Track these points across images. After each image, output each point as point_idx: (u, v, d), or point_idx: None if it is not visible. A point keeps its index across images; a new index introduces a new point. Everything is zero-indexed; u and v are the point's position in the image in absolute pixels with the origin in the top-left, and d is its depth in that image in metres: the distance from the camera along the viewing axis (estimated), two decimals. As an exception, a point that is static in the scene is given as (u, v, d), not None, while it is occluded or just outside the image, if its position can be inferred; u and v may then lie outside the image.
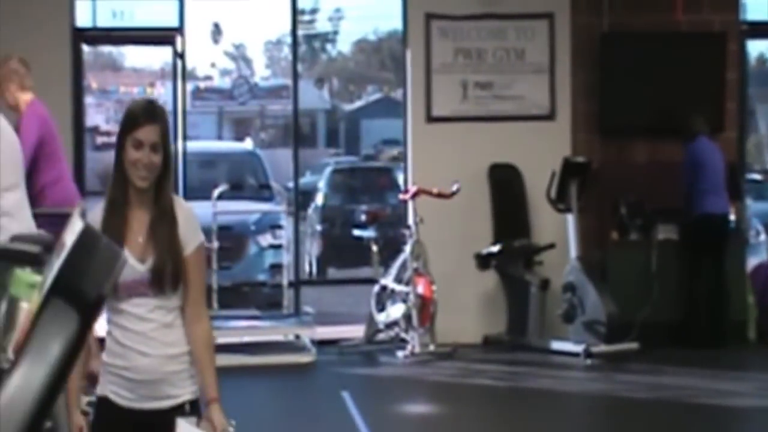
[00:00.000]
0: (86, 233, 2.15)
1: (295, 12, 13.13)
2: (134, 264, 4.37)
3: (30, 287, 2.36)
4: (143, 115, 4.50)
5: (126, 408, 4.48)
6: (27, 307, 2.33)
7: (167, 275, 4.44)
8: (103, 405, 4.52)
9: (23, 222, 6.75)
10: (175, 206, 4.56)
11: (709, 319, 11.93)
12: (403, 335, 11.86)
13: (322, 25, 34.82)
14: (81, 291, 2.09)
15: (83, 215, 2.25)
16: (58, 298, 2.09)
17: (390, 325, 12.08)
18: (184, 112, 12.79)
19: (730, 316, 12.04)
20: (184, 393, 4.56)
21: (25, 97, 8.66)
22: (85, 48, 13.08)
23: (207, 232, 12.68)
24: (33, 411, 2.05)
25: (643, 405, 9.97)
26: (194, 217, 4.66)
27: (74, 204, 7.67)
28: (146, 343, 4.46)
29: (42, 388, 2.06)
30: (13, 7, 11.85)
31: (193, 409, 4.59)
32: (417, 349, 11.57)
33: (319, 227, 19.35)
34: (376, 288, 12.29)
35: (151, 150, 4.43)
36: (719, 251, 12.10)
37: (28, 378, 2.07)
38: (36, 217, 6.68)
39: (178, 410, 4.52)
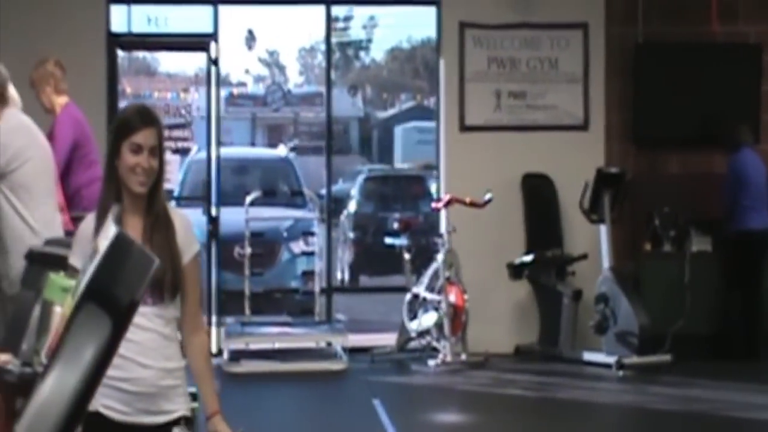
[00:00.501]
0: (120, 239, 2.15)
1: (329, 19, 13.15)
2: None
3: (63, 291, 2.37)
4: (141, 118, 4.42)
5: (119, 422, 4.33)
6: (60, 312, 2.33)
7: (167, 282, 4.33)
8: (94, 421, 4.16)
9: (54, 230, 6.80)
10: (170, 213, 4.49)
11: (745, 333, 11.88)
12: (434, 344, 11.85)
13: (355, 32, 34.83)
14: (114, 296, 2.09)
15: (117, 220, 2.25)
16: (92, 303, 2.09)
17: (422, 334, 12.07)
18: (218, 118, 12.80)
19: (764, 331, 11.99)
20: (180, 408, 4.44)
21: (61, 100, 8.70)
22: (120, 53, 13.12)
23: (240, 238, 12.77)
24: (66, 415, 2.06)
25: (676, 418, 9.93)
26: (191, 225, 4.58)
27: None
28: (146, 354, 4.33)
29: (75, 392, 2.06)
30: (50, 12, 11.92)
31: (188, 425, 4.49)
32: (449, 358, 11.55)
33: (351, 235, 19.36)
34: (408, 296, 12.28)
35: (149, 154, 4.36)
36: (758, 266, 12.04)
37: (62, 382, 2.08)
38: (74, 220, 6.73)
39: (173, 425, 4.41)
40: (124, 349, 3.90)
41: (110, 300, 2.09)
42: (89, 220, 4.33)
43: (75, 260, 4.14)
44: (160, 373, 4.36)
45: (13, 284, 6.63)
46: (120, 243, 2.14)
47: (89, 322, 2.09)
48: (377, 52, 38.14)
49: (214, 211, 12.63)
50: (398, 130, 33.15)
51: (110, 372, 3.75)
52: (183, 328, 4.47)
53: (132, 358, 4.25)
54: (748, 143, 12.17)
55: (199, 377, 4.53)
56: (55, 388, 2.08)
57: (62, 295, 2.36)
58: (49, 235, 6.67)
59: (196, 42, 12.75)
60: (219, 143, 12.87)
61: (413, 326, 12.12)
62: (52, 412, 2.07)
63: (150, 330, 4.31)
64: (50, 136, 7.56)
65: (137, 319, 3.85)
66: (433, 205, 12.90)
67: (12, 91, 7.00)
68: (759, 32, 12.85)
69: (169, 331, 4.40)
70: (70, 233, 5.85)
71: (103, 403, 4.23)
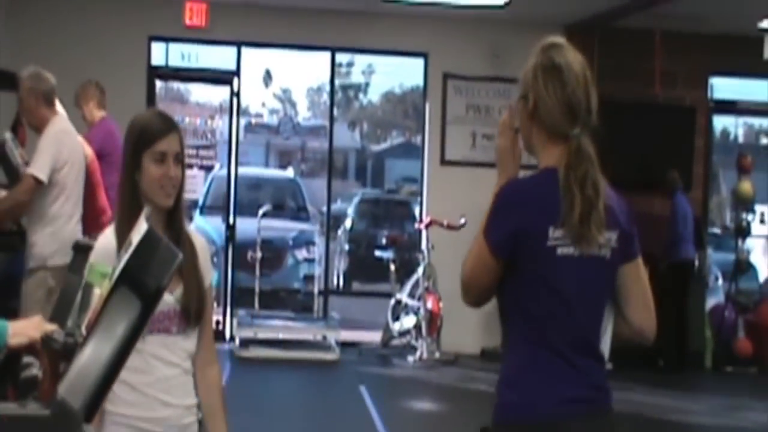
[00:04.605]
0: (149, 234, 2.17)
1: (334, 65, 13.19)
2: None
3: (102, 276, 2.38)
4: (162, 124, 3.49)
5: None
6: (99, 293, 2.34)
7: (193, 307, 3.46)
8: None
9: (77, 225, 6.85)
10: (191, 235, 3.58)
11: (674, 347, 11.90)
12: (413, 343, 11.85)
13: (356, 77, 34.86)
14: (143, 282, 2.09)
15: (148, 219, 2.26)
16: (125, 286, 2.10)
17: (403, 334, 12.07)
18: (237, 142, 12.81)
19: (690, 347, 12.02)
20: None
21: (100, 114, 8.74)
22: (158, 83, 13.15)
23: (252, 243, 12.78)
24: (100, 378, 2.07)
25: (615, 418, 9.90)
26: (208, 249, 3.67)
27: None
28: (169, 392, 3.44)
29: (108, 360, 2.07)
30: (99, 47, 11.95)
31: None
32: (425, 356, 11.55)
33: (346, 246, 19.36)
34: (393, 301, 12.28)
35: (174, 161, 3.44)
36: (687, 290, 12.06)
37: (97, 351, 2.08)
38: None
39: None
40: (146, 386, 3.39)
41: (140, 285, 2.10)
42: (108, 237, 3.40)
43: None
44: (182, 411, 3.49)
45: (37, 260, 6.66)
46: (150, 237, 2.15)
47: (122, 303, 2.10)
48: (374, 95, 38.12)
49: (231, 220, 12.64)
50: (389, 162, 33.20)
51: (131, 411, 3.36)
52: (197, 360, 3.55)
53: (155, 396, 3.41)
54: (680, 188, 12.19)
55: (212, 414, 3.59)
56: (91, 356, 2.09)
57: (101, 280, 2.36)
58: (69, 228, 6.73)
59: (222, 76, 12.77)
60: (237, 163, 12.88)
61: (396, 327, 12.12)
62: (89, 375, 2.08)
63: (173, 365, 3.45)
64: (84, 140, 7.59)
65: (160, 351, 3.40)
66: (416, 225, 12.92)
67: (58, 104, 7.05)
68: (694, 97, 12.91)
69: (189, 365, 3.51)
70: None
71: None
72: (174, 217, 3.49)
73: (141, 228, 2.21)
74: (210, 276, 3.59)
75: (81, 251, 3.17)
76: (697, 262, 12.40)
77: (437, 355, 11.62)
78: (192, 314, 3.46)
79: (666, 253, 12.06)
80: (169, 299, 3.37)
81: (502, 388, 3.20)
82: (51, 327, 2.59)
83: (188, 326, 3.47)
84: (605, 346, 3.31)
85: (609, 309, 3.28)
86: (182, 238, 3.45)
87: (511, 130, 3.31)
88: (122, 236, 3.20)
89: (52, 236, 6.69)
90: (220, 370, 3.72)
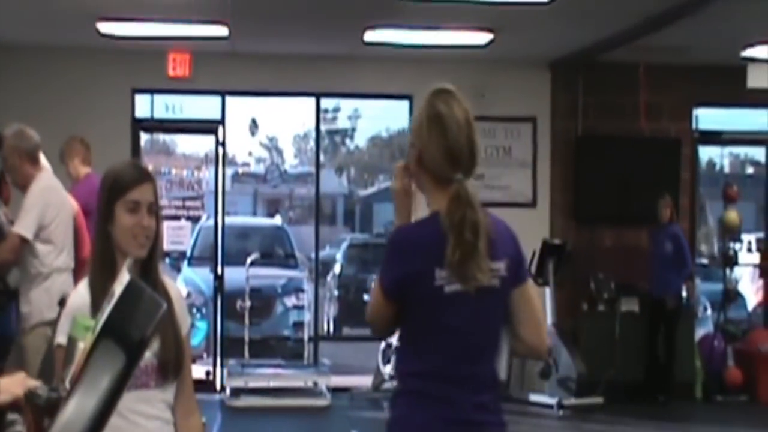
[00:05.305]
0: (132, 285, 2.16)
1: (319, 111, 13.21)
2: None
3: (86, 329, 2.36)
4: (136, 173, 3.40)
5: None
6: (82, 346, 2.33)
7: (171, 361, 3.37)
8: None
9: (68, 278, 6.83)
10: (165, 284, 3.48)
11: (663, 380, 11.87)
12: (403, 385, 11.79)
13: (342, 122, 34.96)
14: (127, 333, 2.09)
15: (130, 269, 2.25)
16: (108, 339, 2.10)
17: (393, 377, 12.00)
18: (224, 192, 12.81)
19: (679, 378, 11.99)
20: None
21: (85, 170, 8.74)
22: (143, 135, 13.16)
23: (241, 292, 12.74)
24: (85, 432, 2.07)
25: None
26: (182, 297, 3.64)
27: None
28: None
29: (92, 414, 2.07)
30: (83, 101, 11.99)
31: None
32: (415, 398, 11.49)
33: (336, 292, 19.30)
34: (383, 345, 12.24)
35: (147, 212, 3.35)
36: (674, 323, 12.04)
37: (82, 405, 2.08)
38: None
39: None
40: None
41: (124, 337, 2.09)
42: (80, 293, 3.33)
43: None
44: None
45: (35, 317, 6.65)
46: (132, 288, 2.15)
47: (105, 355, 2.09)
48: (360, 139, 38.22)
49: (219, 270, 12.61)
50: (377, 206, 33.23)
51: None
52: (177, 409, 3.46)
53: None
54: (663, 220, 12.10)
55: None
56: (75, 410, 2.08)
57: (84, 333, 2.35)
58: (61, 280, 6.72)
59: (207, 126, 12.78)
60: (225, 213, 12.87)
61: (387, 370, 12.07)
62: (74, 430, 2.07)
63: (155, 417, 3.37)
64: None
65: (140, 406, 3.30)
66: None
67: (42, 158, 7.06)
68: (678, 129, 12.95)
69: (169, 416, 3.43)
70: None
71: None
72: (149, 267, 3.38)
73: (123, 279, 2.20)
74: (186, 324, 3.52)
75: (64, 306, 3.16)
76: (684, 293, 12.39)
77: (430, 396, 11.57)
78: (171, 368, 3.38)
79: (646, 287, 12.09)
80: (147, 354, 3.19)
81: (390, 409, 3.47)
82: (34, 383, 2.58)
83: (167, 381, 3.38)
84: (501, 367, 3.56)
85: (504, 331, 3.52)
86: (158, 288, 3.31)
87: (404, 173, 3.52)
88: (96, 289, 3.19)
89: (47, 291, 6.69)
90: (201, 418, 3.64)
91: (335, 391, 11.77)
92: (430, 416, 3.32)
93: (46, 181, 6.92)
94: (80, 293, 3.31)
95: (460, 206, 3.36)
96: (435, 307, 3.30)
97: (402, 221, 3.52)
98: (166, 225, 11.51)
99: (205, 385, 11.91)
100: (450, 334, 3.32)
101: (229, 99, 12.65)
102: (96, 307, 3.04)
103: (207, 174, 13.02)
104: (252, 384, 11.81)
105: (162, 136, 18.63)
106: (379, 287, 3.38)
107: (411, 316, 3.33)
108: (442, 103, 3.48)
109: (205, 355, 13.37)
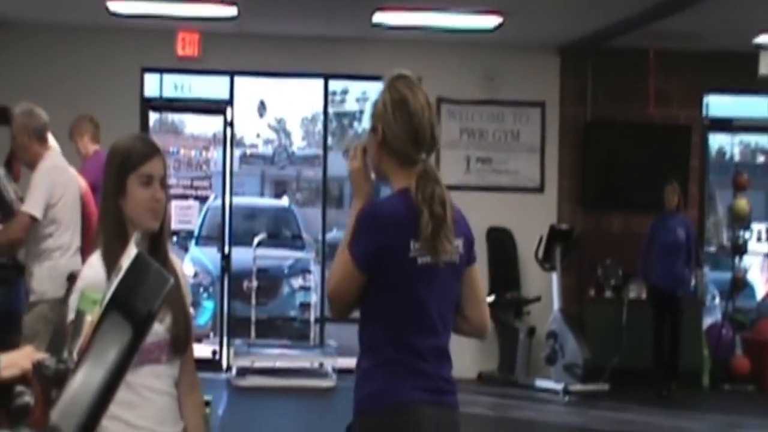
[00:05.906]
0: (139, 259, 2.18)
1: (327, 94, 13.18)
2: None
3: (93, 303, 2.38)
4: (147, 148, 3.37)
5: None
6: (90, 319, 2.35)
7: (181, 335, 3.38)
8: None
9: (73, 256, 6.86)
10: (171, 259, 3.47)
11: (669, 366, 11.87)
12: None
13: (350, 105, 34.91)
14: (134, 307, 2.10)
15: (138, 244, 2.27)
16: (115, 312, 2.11)
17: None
18: (232, 173, 12.83)
19: (686, 367, 11.99)
20: None
21: (94, 148, 8.79)
22: (152, 115, 13.17)
23: (248, 273, 12.76)
24: (92, 404, 2.07)
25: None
26: (185, 274, 3.64)
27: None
28: (162, 421, 3.36)
29: (100, 386, 2.08)
30: (92, 80, 12.00)
31: None
32: (421, 381, 11.51)
33: (342, 274, 19.31)
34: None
35: (160, 184, 3.35)
36: (679, 311, 12.01)
37: (89, 377, 2.09)
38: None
39: None
40: (139, 418, 3.28)
41: (131, 310, 2.11)
42: (95, 266, 3.27)
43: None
44: None
45: (36, 294, 6.70)
46: (140, 262, 2.16)
47: (112, 328, 2.11)
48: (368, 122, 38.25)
49: (227, 250, 12.63)
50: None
51: None
52: (181, 386, 3.45)
53: (149, 427, 3.32)
54: (667, 208, 12.04)
55: None
56: (83, 381, 2.10)
57: (92, 306, 2.37)
58: (66, 259, 6.76)
59: (215, 106, 12.80)
60: (232, 193, 12.88)
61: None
62: (81, 401, 2.09)
63: (164, 393, 3.37)
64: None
65: (151, 381, 3.30)
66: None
67: (51, 138, 7.08)
68: (688, 116, 12.92)
69: (174, 391, 3.42)
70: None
71: None
72: (159, 241, 3.37)
73: (131, 253, 2.22)
74: (189, 296, 3.54)
75: (75, 280, 3.18)
76: (693, 282, 12.38)
77: (435, 380, 11.59)
78: (181, 343, 3.38)
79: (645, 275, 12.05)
80: (159, 329, 3.27)
81: (361, 382, 3.64)
82: (42, 355, 2.61)
83: (176, 355, 3.39)
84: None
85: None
86: (167, 264, 3.32)
87: (361, 153, 3.64)
88: (110, 263, 3.10)
89: (50, 270, 6.74)
90: (203, 394, 3.64)
91: (341, 372, 11.76)
92: (410, 386, 3.47)
93: (52, 160, 6.95)
94: (95, 267, 3.27)
95: (429, 183, 3.52)
96: (408, 278, 3.46)
97: (361, 202, 3.60)
98: (174, 204, 11.52)
99: (211, 364, 11.95)
100: (419, 306, 3.48)
101: (237, 79, 12.66)
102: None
103: (215, 154, 13.02)
104: (258, 364, 11.83)
105: (171, 116, 18.59)
106: (350, 259, 3.48)
107: (382, 288, 3.47)
108: (406, 88, 3.60)
109: (211, 335, 13.41)
